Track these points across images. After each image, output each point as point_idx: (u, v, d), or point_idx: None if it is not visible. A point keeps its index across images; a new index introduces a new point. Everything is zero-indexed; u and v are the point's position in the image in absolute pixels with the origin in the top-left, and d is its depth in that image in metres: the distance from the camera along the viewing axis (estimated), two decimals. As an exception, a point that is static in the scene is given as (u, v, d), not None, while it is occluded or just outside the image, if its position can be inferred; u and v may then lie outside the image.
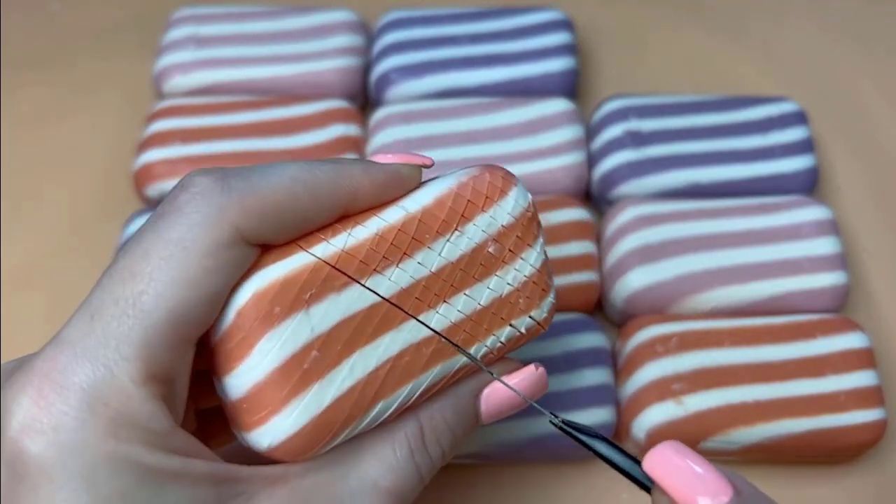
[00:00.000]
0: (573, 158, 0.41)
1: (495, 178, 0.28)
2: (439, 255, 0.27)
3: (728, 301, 0.37)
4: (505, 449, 0.35)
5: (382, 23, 0.47)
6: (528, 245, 0.28)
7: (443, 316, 0.26)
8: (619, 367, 0.37)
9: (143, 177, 0.41)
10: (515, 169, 0.40)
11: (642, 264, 0.38)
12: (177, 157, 0.41)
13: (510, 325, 0.28)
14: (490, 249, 0.27)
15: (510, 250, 0.28)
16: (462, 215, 0.27)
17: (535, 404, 0.26)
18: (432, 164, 0.28)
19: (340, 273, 0.25)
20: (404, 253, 0.26)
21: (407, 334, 0.26)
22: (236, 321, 0.24)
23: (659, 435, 0.34)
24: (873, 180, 0.45)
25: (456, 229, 0.27)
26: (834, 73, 0.48)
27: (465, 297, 0.27)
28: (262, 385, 0.24)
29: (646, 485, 0.24)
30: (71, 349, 0.23)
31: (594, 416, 0.35)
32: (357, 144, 0.43)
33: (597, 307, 0.40)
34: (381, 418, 0.26)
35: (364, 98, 0.46)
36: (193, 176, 0.24)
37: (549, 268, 0.29)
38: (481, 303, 0.27)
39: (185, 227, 0.23)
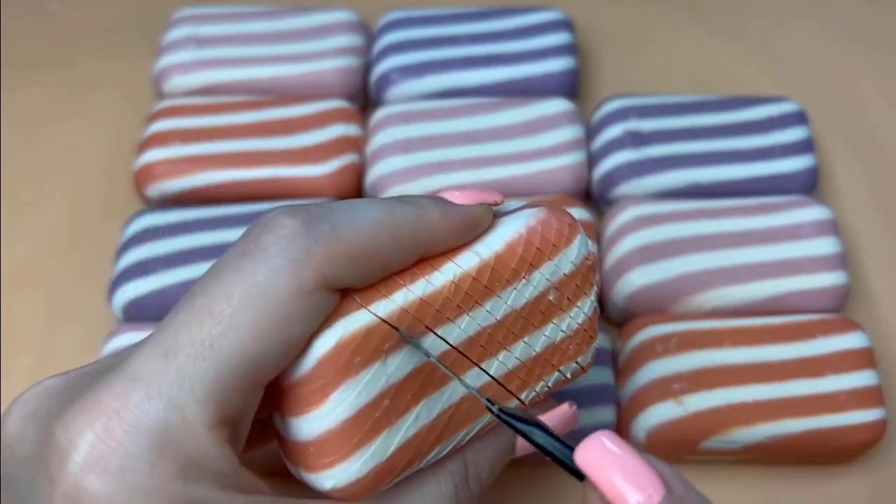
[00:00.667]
0: (573, 158, 0.41)
1: (562, 225, 0.28)
2: (506, 303, 0.27)
3: (728, 301, 0.37)
4: (505, 449, 0.35)
5: (382, 23, 0.47)
6: (585, 293, 0.28)
7: (502, 363, 0.27)
8: (620, 367, 0.37)
9: (143, 177, 0.41)
10: (515, 169, 0.40)
11: (642, 264, 0.38)
12: (177, 157, 0.41)
13: (558, 370, 0.28)
14: (550, 297, 0.27)
15: (568, 298, 0.28)
16: (530, 263, 0.27)
17: (473, 389, 0.25)
18: (503, 202, 0.28)
19: (419, 322, 0.25)
20: (476, 302, 0.26)
21: (469, 381, 0.26)
22: (316, 368, 0.24)
23: (659, 435, 0.34)
24: (873, 180, 0.45)
25: (524, 277, 0.27)
26: (834, 73, 0.48)
27: (523, 344, 0.27)
28: (334, 432, 0.24)
29: (581, 476, 0.23)
30: (143, 387, 0.22)
31: (594, 415, 0.35)
32: (357, 144, 0.43)
33: (597, 307, 0.40)
34: (436, 459, 0.26)
35: (364, 98, 0.46)
36: (279, 216, 0.24)
37: (598, 315, 0.29)
38: (536, 349, 0.27)
39: (269, 271, 0.23)
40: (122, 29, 0.50)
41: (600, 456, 0.22)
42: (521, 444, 0.28)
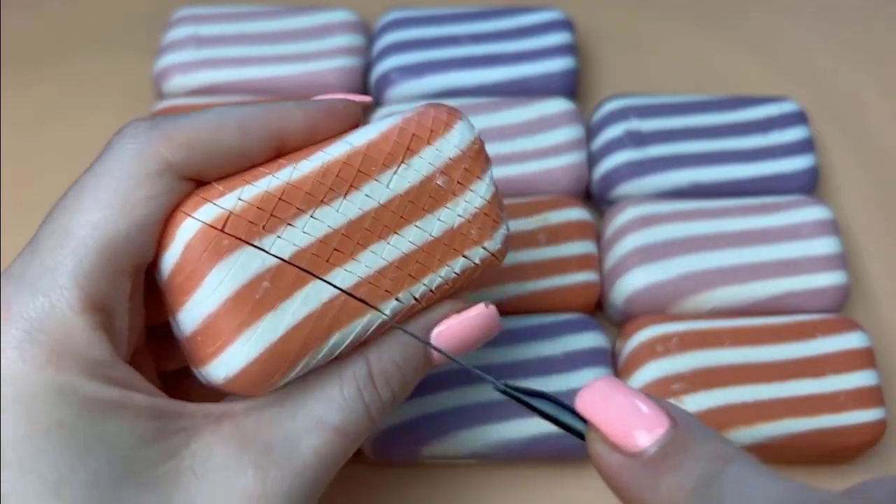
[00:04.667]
0: (573, 158, 0.41)
1: (440, 112, 0.28)
2: (387, 187, 0.27)
3: (728, 301, 0.37)
4: (505, 449, 0.35)
5: (382, 23, 0.47)
6: (477, 177, 0.29)
7: (394, 247, 0.27)
8: (620, 367, 0.37)
9: (143, 177, 0.41)
10: (516, 169, 0.40)
11: (642, 264, 0.38)
12: (177, 156, 0.41)
13: (463, 255, 0.28)
14: (438, 182, 0.28)
15: (459, 182, 0.28)
16: (408, 148, 0.27)
17: (476, 370, 0.25)
18: (371, 101, 0.29)
19: (289, 205, 0.25)
20: (351, 185, 0.26)
21: (363, 266, 0.26)
22: (185, 254, 0.24)
23: (659, 435, 0.34)
24: (873, 180, 0.45)
25: (402, 162, 0.27)
26: (834, 73, 0.48)
27: (415, 228, 0.27)
28: (215, 316, 0.24)
29: (582, 435, 0.23)
30: (12, 283, 0.24)
31: (594, 416, 0.35)
32: (357, 144, 0.43)
33: (597, 307, 0.40)
34: (337, 351, 0.26)
35: (364, 98, 0.46)
36: (127, 123, 0.26)
37: (500, 200, 0.29)
38: (433, 234, 0.28)
39: (115, 162, 0.24)
40: (122, 29, 0.50)
41: (602, 399, 0.22)
42: (438, 355, 0.28)
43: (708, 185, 0.41)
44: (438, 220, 0.28)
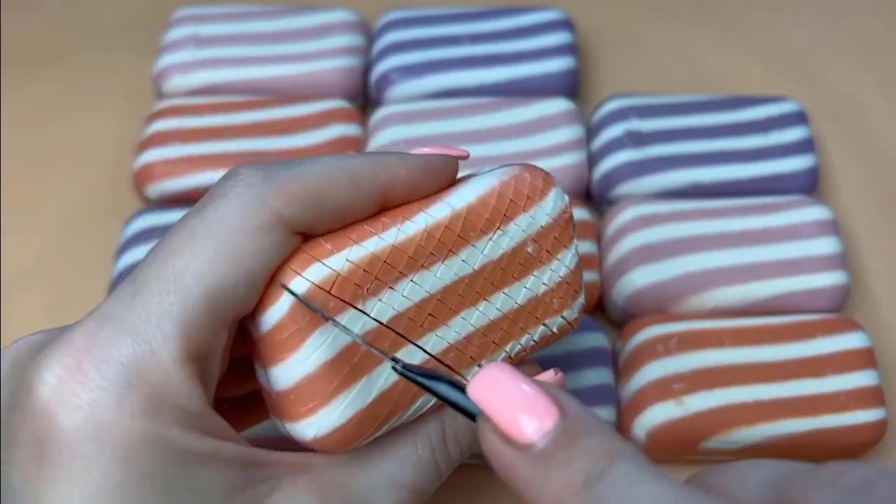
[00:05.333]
0: (573, 158, 0.41)
1: (535, 178, 0.28)
2: (482, 253, 0.27)
3: (728, 301, 0.37)
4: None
5: (382, 23, 0.47)
6: (564, 246, 0.29)
7: (482, 314, 0.27)
8: (620, 367, 0.37)
9: (143, 177, 0.41)
10: (516, 169, 0.40)
11: (642, 264, 0.38)
12: (177, 157, 0.41)
13: (543, 324, 0.28)
14: (529, 249, 0.28)
15: (547, 251, 0.28)
16: (504, 215, 0.27)
17: (375, 349, 0.25)
18: (468, 156, 0.29)
19: (392, 268, 0.25)
20: (450, 250, 0.26)
21: (453, 331, 0.26)
22: (290, 313, 0.24)
23: (659, 435, 0.34)
24: (873, 180, 0.45)
25: (499, 228, 0.27)
26: (834, 73, 0.48)
27: (503, 295, 0.27)
28: (312, 377, 0.24)
29: (473, 414, 0.22)
30: (112, 324, 0.23)
31: (594, 416, 0.35)
32: (357, 144, 0.43)
33: (597, 307, 0.40)
34: (419, 413, 0.26)
35: (364, 98, 0.46)
36: (238, 167, 0.25)
37: (581, 270, 0.29)
38: (518, 301, 0.28)
39: (228, 210, 0.24)
40: (123, 28, 0.50)
41: (491, 386, 0.21)
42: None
43: (708, 185, 0.41)
44: (525, 287, 0.28)
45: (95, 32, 0.50)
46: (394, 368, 0.24)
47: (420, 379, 0.23)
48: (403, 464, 0.26)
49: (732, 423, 0.34)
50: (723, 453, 0.35)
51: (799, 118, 0.43)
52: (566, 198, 0.29)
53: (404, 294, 0.25)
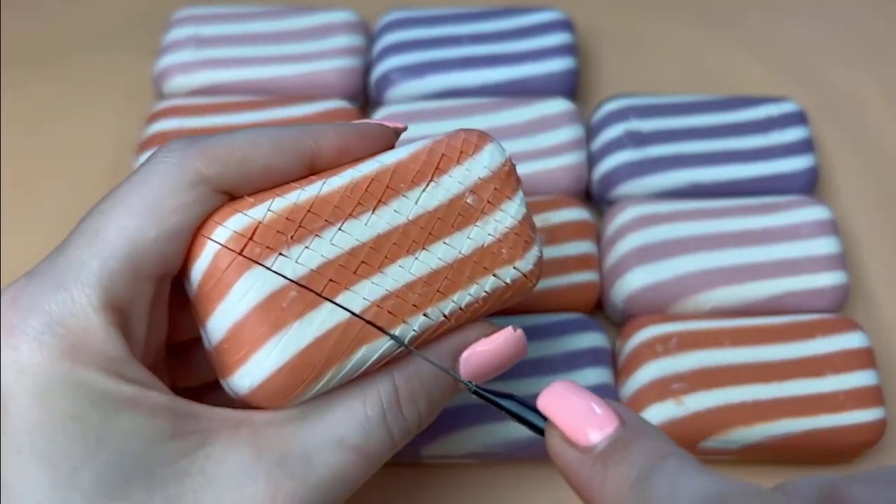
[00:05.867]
0: (573, 158, 0.41)
1: (470, 135, 0.29)
2: (415, 203, 0.27)
3: (728, 301, 0.38)
4: (505, 449, 0.35)
5: (383, 23, 0.47)
6: (507, 197, 0.29)
7: (422, 262, 0.27)
8: (620, 366, 0.37)
9: (143, 177, 0.41)
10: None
11: (642, 264, 0.38)
12: (177, 157, 0.41)
13: (494, 275, 0.28)
14: (468, 200, 0.28)
15: (489, 202, 0.28)
16: (437, 167, 0.28)
17: (453, 373, 0.27)
18: (405, 128, 0.29)
19: (317, 217, 0.26)
20: (379, 200, 0.27)
21: (390, 279, 0.26)
22: (214, 262, 0.25)
23: (659, 435, 0.34)
24: (873, 180, 0.45)
25: (432, 180, 0.28)
26: (834, 73, 0.48)
27: (444, 245, 0.27)
28: (242, 323, 0.24)
29: (542, 431, 0.25)
30: (37, 278, 0.24)
31: (594, 416, 0.35)
32: (357, 144, 0.43)
33: (597, 307, 0.40)
34: (363, 367, 0.26)
35: (364, 98, 0.46)
36: (167, 142, 0.26)
37: (531, 222, 0.29)
38: (462, 251, 0.28)
39: (151, 174, 0.25)
40: (123, 29, 0.50)
41: (559, 398, 0.24)
42: (466, 376, 0.28)
43: (708, 185, 0.41)
44: (468, 237, 0.28)
45: (95, 33, 0.50)
46: (467, 388, 0.26)
47: (493, 398, 0.25)
48: (351, 423, 0.26)
49: (732, 423, 0.34)
50: (722, 453, 0.35)
51: (799, 118, 0.43)
52: (505, 151, 0.29)
53: (332, 241, 0.26)
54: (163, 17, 0.48)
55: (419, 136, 0.29)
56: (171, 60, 0.45)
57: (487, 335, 0.28)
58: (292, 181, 0.26)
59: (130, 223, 0.24)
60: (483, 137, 0.29)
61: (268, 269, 0.25)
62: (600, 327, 0.38)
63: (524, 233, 0.29)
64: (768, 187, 0.41)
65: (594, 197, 0.42)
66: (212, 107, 0.43)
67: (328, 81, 0.44)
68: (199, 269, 0.25)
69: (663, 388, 0.35)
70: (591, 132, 0.43)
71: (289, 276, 0.25)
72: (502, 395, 0.26)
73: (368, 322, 0.26)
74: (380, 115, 0.43)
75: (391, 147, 0.29)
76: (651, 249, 0.38)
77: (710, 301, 0.38)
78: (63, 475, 0.22)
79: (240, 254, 0.25)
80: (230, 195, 0.26)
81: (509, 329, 0.28)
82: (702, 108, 0.43)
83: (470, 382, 0.26)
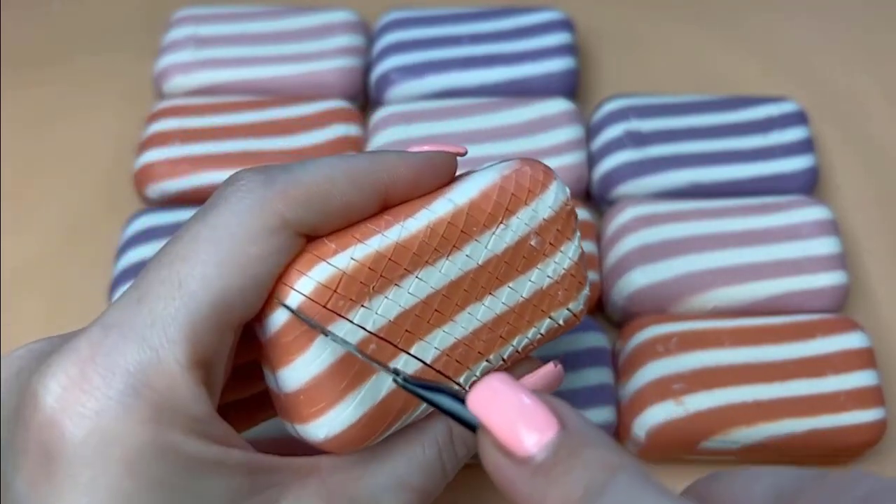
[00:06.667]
0: (573, 158, 0.41)
1: (536, 171, 0.28)
2: (486, 247, 0.27)
3: (728, 301, 0.37)
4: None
5: (382, 23, 0.47)
6: (567, 238, 0.29)
7: (489, 308, 0.27)
8: (620, 367, 0.37)
9: (143, 177, 0.41)
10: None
11: (642, 264, 0.38)
12: (177, 157, 0.41)
13: (549, 317, 0.28)
14: (532, 242, 0.28)
15: (550, 243, 0.28)
16: (507, 209, 0.27)
17: (377, 363, 0.25)
18: (466, 153, 0.29)
19: (397, 265, 0.25)
20: (454, 246, 0.26)
21: (460, 327, 0.26)
22: (296, 315, 0.24)
23: (659, 435, 0.34)
24: (873, 180, 0.45)
25: (501, 222, 0.27)
26: (834, 73, 0.48)
27: (509, 289, 0.27)
28: (321, 378, 0.24)
29: (474, 427, 0.21)
30: (116, 331, 0.22)
31: (595, 415, 0.35)
32: (357, 145, 0.43)
33: (597, 307, 0.40)
34: (428, 412, 0.26)
35: (364, 98, 0.46)
36: (239, 172, 0.25)
37: (585, 261, 0.29)
38: (524, 295, 0.28)
39: (232, 215, 0.24)
40: (122, 29, 0.50)
41: (490, 397, 0.21)
42: None
43: (708, 185, 0.41)
44: (530, 281, 0.28)
45: (95, 33, 0.50)
46: (395, 381, 0.23)
47: (420, 391, 0.23)
48: (410, 464, 0.26)
49: (732, 423, 0.34)
50: (722, 453, 0.35)
51: (799, 118, 0.43)
52: (567, 190, 0.29)
53: (410, 291, 0.25)
54: (163, 17, 0.48)
55: (471, 157, 0.29)
56: (170, 60, 0.45)
57: (532, 370, 0.28)
58: (366, 219, 0.26)
59: (214, 273, 0.23)
60: (548, 175, 0.29)
61: (339, 339, 0.24)
62: (600, 327, 0.38)
63: (579, 273, 0.29)
64: (768, 187, 0.41)
65: (594, 197, 0.42)
66: (212, 107, 0.43)
67: (328, 81, 0.44)
68: (278, 319, 0.24)
69: (663, 389, 0.35)
70: (591, 132, 0.43)
71: (369, 329, 0.25)
72: (433, 389, 0.23)
73: (443, 374, 0.26)
74: (380, 115, 0.43)
75: (454, 172, 0.28)
76: (651, 249, 0.38)
77: (710, 301, 0.38)
78: None
79: (324, 307, 0.24)
80: (308, 237, 0.25)
81: (550, 365, 0.28)
82: (702, 108, 0.43)
83: (397, 375, 0.23)
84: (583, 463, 0.19)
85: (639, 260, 0.38)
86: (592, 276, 0.38)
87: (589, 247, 0.39)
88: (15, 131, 0.46)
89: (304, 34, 0.46)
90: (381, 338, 0.25)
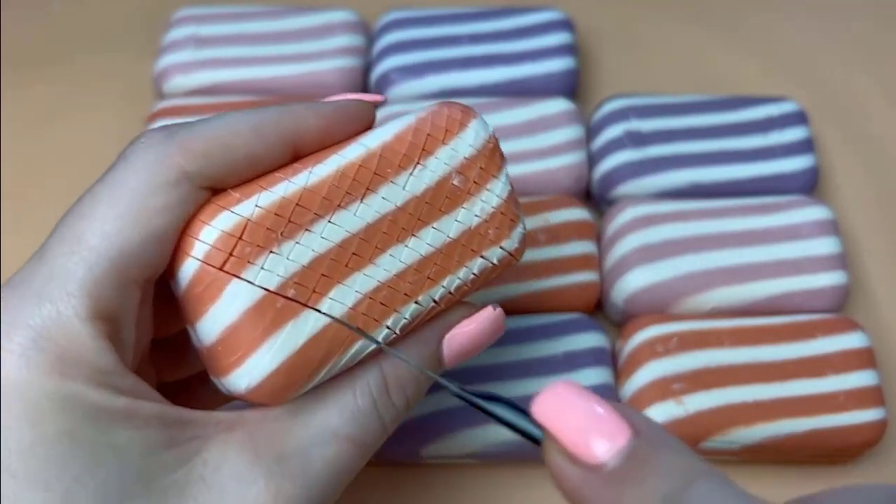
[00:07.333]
0: (573, 158, 0.41)
1: (454, 111, 0.28)
2: (403, 188, 0.27)
3: (728, 301, 0.37)
4: (505, 449, 0.35)
5: (382, 23, 0.47)
6: (493, 176, 0.28)
7: (412, 250, 0.27)
8: (620, 367, 0.37)
9: (143, 177, 0.41)
10: (515, 169, 0.40)
11: (642, 264, 0.38)
12: (177, 157, 0.41)
13: (481, 256, 0.28)
14: (454, 182, 0.28)
15: (475, 182, 0.28)
16: (423, 149, 0.27)
17: (440, 378, 0.24)
18: (384, 101, 0.29)
19: (306, 210, 0.25)
20: (367, 188, 0.26)
21: (382, 269, 0.26)
22: (204, 264, 0.24)
23: (659, 435, 0.34)
24: (873, 180, 0.45)
25: (418, 163, 0.27)
26: (834, 73, 0.48)
27: (433, 230, 0.27)
28: (237, 325, 0.24)
29: (537, 440, 0.21)
30: (19, 289, 0.23)
31: (594, 416, 0.35)
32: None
33: (597, 307, 0.40)
34: (355, 361, 0.26)
35: (364, 98, 0.46)
36: (144, 132, 0.25)
37: (515, 198, 0.29)
38: (450, 235, 0.27)
39: (131, 171, 0.24)
40: (122, 29, 0.50)
41: (558, 404, 0.20)
42: (449, 356, 0.28)
43: (708, 185, 0.41)
44: (455, 220, 0.27)
45: (96, 33, 0.50)
46: (450, 392, 0.23)
47: (478, 401, 0.22)
48: (343, 414, 0.26)
49: (732, 423, 0.34)
50: (723, 453, 0.35)
51: (799, 118, 0.43)
52: (490, 127, 0.29)
53: (323, 235, 0.25)
54: (163, 17, 0.48)
55: (397, 112, 0.29)
56: (170, 60, 0.45)
57: (468, 316, 0.28)
58: (276, 169, 0.26)
59: (113, 227, 0.23)
60: (467, 113, 0.28)
61: (251, 283, 0.24)
62: (600, 327, 0.38)
63: (509, 211, 0.28)
64: (768, 187, 0.41)
65: (594, 197, 0.42)
66: (211, 107, 0.43)
67: (328, 81, 0.44)
68: (187, 270, 0.24)
69: (663, 389, 0.35)
70: (591, 132, 0.43)
71: (281, 274, 0.24)
72: (490, 398, 0.22)
73: (355, 329, 0.25)
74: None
75: (372, 123, 0.28)
76: (651, 249, 0.38)
77: (710, 301, 0.38)
78: (58, 496, 0.21)
79: (230, 254, 0.24)
80: (213, 189, 0.25)
81: (489, 308, 0.28)
82: (702, 108, 0.43)
83: (453, 384, 0.23)
84: (659, 469, 0.19)
85: (639, 260, 0.38)
86: (593, 276, 0.38)
87: (589, 247, 0.39)
88: (15, 131, 0.46)
89: (304, 34, 0.46)
90: (288, 297, 0.24)
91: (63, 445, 0.21)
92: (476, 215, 0.28)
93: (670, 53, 0.49)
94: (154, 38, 0.47)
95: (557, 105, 0.43)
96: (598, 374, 0.36)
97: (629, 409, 0.20)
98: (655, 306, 0.38)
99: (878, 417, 0.35)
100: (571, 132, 0.42)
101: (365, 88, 0.46)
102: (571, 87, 0.45)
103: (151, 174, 0.24)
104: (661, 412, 0.34)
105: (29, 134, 0.46)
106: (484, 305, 0.28)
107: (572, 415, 0.20)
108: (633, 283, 0.38)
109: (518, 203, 0.29)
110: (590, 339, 0.37)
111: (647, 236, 0.38)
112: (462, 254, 0.27)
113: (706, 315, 0.37)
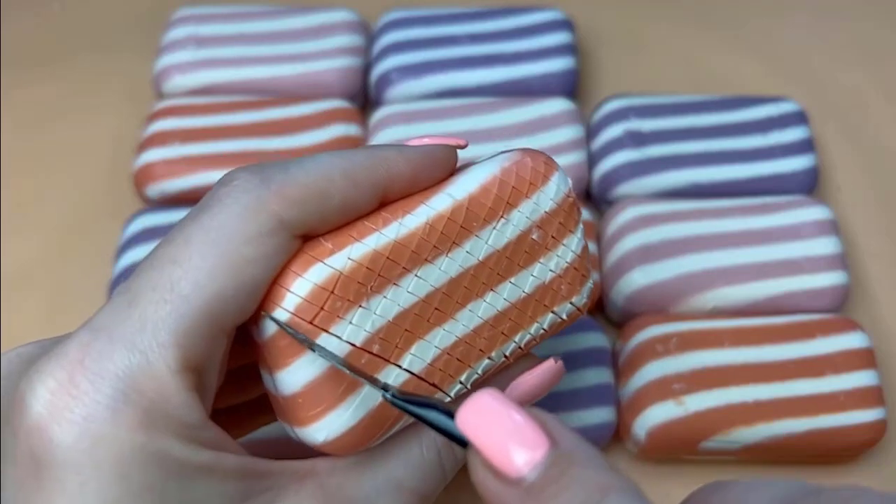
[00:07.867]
0: (573, 158, 0.41)
1: (537, 163, 0.28)
2: (486, 242, 0.26)
3: (728, 301, 0.37)
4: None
5: (382, 23, 0.47)
6: (570, 231, 0.28)
7: (490, 305, 0.26)
8: (620, 367, 0.37)
9: (143, 177, 0.41)
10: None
11: (642, 264, 0.38)
12: (177, 157, 0.41)
13: (552, 311, 0.28)
14: (534, 236, 0.27)
15: (553, 237, 0.28)
16: (507, 202, 0.27)
17: (367, 375, 0.24)
18: (466, 145, 0.28)
19: (395, 264, 0.25)
20: (454, 242, 0.26)
21: (461, 325, 0.26)
22: (294, 317, 0.23)
23: (659, 435, 0.34)
24: (873, 180, 0.45)
25: (501, 216, 0.27)
26: (834, 73, 0.48)
27: (510, 285, 0.27)
28: (319, 381, 0.24)
29: (464, 443, 0.21)
30: (106, 335, 0.22)
31: (595, 416, 0.35)
32: (357, 144, 0.43)
33: (597, 307, 0.40)
34: None
35: (364, 98, 0.46)
36: (233, 172, 0.24)
37: (588, 253, 0.29)
38: (526, 290, 0.27)
39: (226, 217, 0.23)
40: (122, 29, 0.50)
41: (480, 415, 0.20)
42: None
43: (708, 185, 0.41)
44: (532, 275, 0.27)
45: (95, 33, 0.50)
46: (384, 396, 0.23)
47: (409, 407, 0.22)
48: (408, 467, 0.26)
49: (732, 423, 0.34)
50: (722, 453, 0.35)
51: (799, 118, 0.43)
52: (569, 181, 0.28)
53: (409, 290, 0.25)
54: (163, 17, 0.48)
55: (470, 157, 0.28)
56: (170, 60, 0.45)
57: (530, 368, 0.28)
58: (363, 216, 0.25)
59: (207, 277, 0.22)
60: (550, 166, 0.28)
61: (325, 352, 0.24)
62: (600, 327, 0.38)
63: (582, 266, 0.28)
64: (768, 187, 0.41)
65: (594, 197, 0.42)
66: (211, 106, 0.43)
67: (328, 81, 0.44)
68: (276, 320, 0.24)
69: (663, 389, 0.35)
70: (591, 132, 0.43)
71: (368, 329, 0.24)
72: (423, 404, 0.22)
73: (431, 384, 0.25)
74: (380, 115, 0.43)
75: (454, 166, 0.27)
76: (651, 249, 0.38)
77: (710, 301, 0.38)
78: None
79: (321, 308, 0.23)
80: (304, 236, 0.24)
81: (550, 361, 0.28)
82: (702, 108, 0.43)
83: (386, 390, 0.23)
84: (575, 483, 0.19)
85: (639, 260, 0.38)
86: (592, 275, 0.38)
87: (589, 247, 0.39)
88: (15, 131, 0.46)
89: (304, 34, 0.46)
90: (373, 353, 0.24)
91: (146, 501, 0.21)
92: (551, 270, 0.28)
93: (670, 53, 0.49)
94: (154, 38, 0.47)
95: (557, 105, 0.43)
96: (598, 374, 0.36)
97: (550, 418, 0.21)
98: (655, 306, 0.38)
99: (878, 417, 0.34)
100: (571, 132, 0.42)
101: (365, 88, 0.46)
102: (571, 87, 0.45)
103: (247, 221, 0.23)
104: (661, 412, 0.34)
105: (29, 133, 0.46)
106: (545, 358, 0.28)
107: (493, 425, 0.20)
108: (632, 283, 0.38)
109: (589, 258, 0.29)
110: (590, 339, 0.37)
111: (646, 236, 0.38)
112: (535, 309, 0.27)
113: (706, 315, 0.37)
